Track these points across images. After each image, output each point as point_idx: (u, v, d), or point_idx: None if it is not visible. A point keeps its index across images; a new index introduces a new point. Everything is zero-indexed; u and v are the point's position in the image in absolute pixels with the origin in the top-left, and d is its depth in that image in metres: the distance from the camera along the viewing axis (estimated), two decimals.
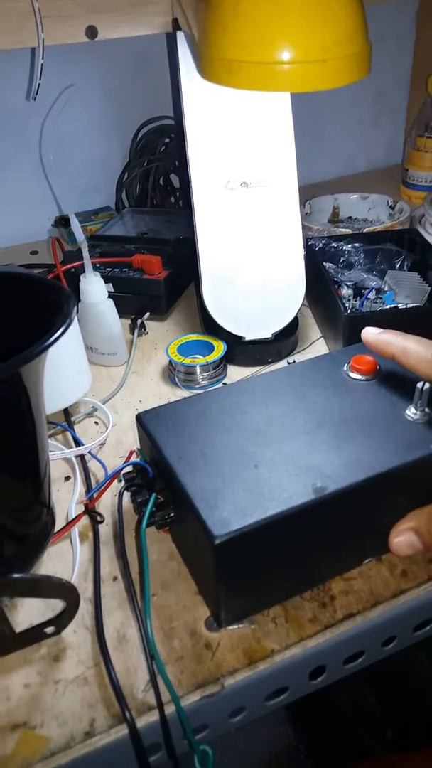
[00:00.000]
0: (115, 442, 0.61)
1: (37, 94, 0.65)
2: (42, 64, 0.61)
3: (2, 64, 0.90)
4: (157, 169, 0.95)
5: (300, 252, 0.66)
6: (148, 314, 0.77)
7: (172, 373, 0.69)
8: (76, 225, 0.64)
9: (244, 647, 0.42)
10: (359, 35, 0.42)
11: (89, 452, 0.59)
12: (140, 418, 0.50)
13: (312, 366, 0.53)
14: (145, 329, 0.77)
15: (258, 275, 0.66)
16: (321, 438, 0.46)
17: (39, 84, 0.64)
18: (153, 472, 0.48)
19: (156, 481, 0.48)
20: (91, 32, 0.64)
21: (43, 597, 0.41)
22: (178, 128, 0.98)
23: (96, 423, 0.64)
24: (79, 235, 0.64)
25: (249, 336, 0.68)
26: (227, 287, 0.67)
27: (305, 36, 0.38)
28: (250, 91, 0.46)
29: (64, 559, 0.50)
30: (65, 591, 0.41)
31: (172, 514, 0.46)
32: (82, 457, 0.58)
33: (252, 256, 0.66)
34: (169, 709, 0.39)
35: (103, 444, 0.60)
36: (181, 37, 0.62)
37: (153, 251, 0.82)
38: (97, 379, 0.69)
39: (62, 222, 1.03)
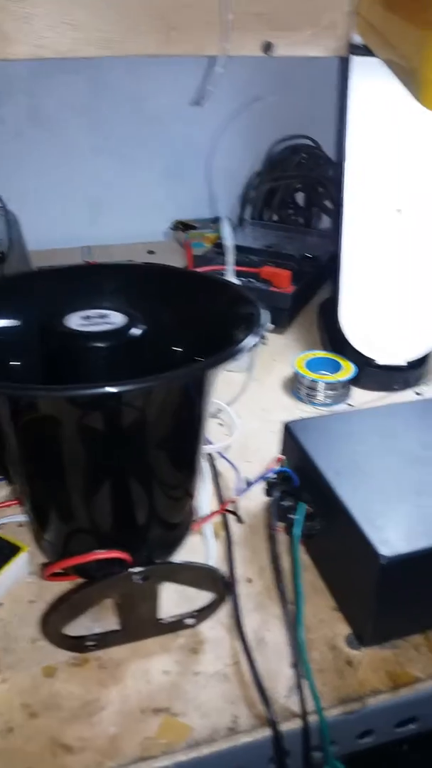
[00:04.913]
0: (240, 446, 0.61)
1: (204, 99, 0.67)
2: (219, 73, 0.63)
3: (144, 68, 0.94)
4: (286, 186, 0.96)
5: None
6: (272, 326, 0.78)
7: (295, 386, 0.69)
8: (228, 230, 0.65)
9: (387, 670, 0.42)
10: None
11: (218, 452, 0.59)
12: (289, 428, 0.51)
13: None
14: (265, 340, 0.78)
15: (399, 301, 0.67)
16: None
17: (210, 91, 0.66)
18: (299, 481, 0.49)
19: (302, 491, 0.48)
20: (267, 48, 0.66)
21: (197, 587, 0.42)
22: (314, 148, 0.99)
23: (220, 425, 0.65)
24: (229, 241, 0.66)
25: (381, 360, 0.68)
26: (365, 309, 0.67)
27: None
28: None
29: (194, 555, 0.50)
30: (220, 585, 0.41)
31: (318, 527, 0.46)
32: (210, 456, 0.59)
33: (396, 281, 0.66)
34: (309, 719, 0.39)
35: (228, 446, 0.61)
36: (357, 62, 0.64)
37: (277, 265, 0.83)
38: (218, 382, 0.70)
39: (180, 226, 1.06)
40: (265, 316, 0.43)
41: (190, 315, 0.48)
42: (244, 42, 0.66)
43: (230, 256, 0.66)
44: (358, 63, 0.64)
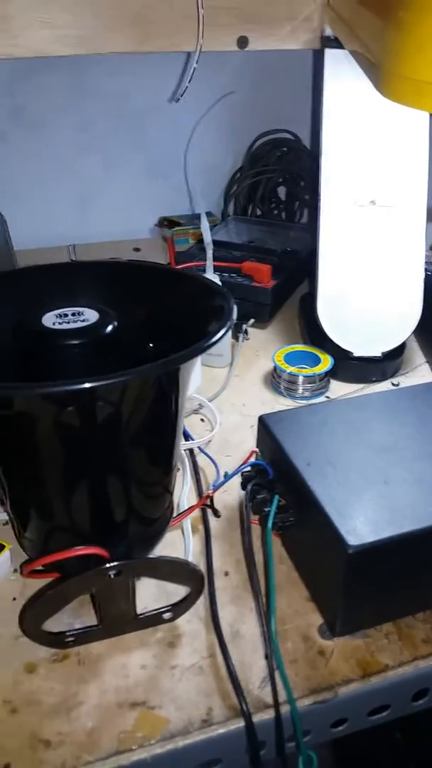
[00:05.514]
0: (220, 441, 0.62)
1: (182, 95, 0.67)
2: (195, 68, 0.63)
3: (126, 65, 0.94)
4: (268, 181, 0.97)
5: (420, 274, 0.66)
6: (252, 321, 0.78)
7: (275, 380, 0.70)
8: (205, 227, 0.65)
9: (357, 659, 0.43)
10: None
11: (199, 447, 0.60)
12: (263, 420, 0.51)
13: None
14: (247, 335, 0.78)
15: (375, 293, 0.67)
16: None
17: (187, 87, 0.66)
18: (273, 473, 0.49)
19: (276, 484, 0.49)
20: (242, 42, 0.66)
21: (173, 581, 0.43)
22: (294, 142, 0.99)
23: (202, 420, 0.65)
24: (207, 237, 0.66)
25: (357, 352, 0.68)
26: (342, 302, 0.68)
27: None
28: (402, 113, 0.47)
29: (174, 549, 0.51)
30: (195, 579, 0.42)
31: (291, 519, 0.47)
32: (191, 451, 0.60)
33: (371, 274, 0.67)
34: (283, 709, 0.40)
35: (209, 441, 0.62)
36: (330, 54, 0.64)
37: (259, 260, 0.83)
38: (201, 378, 0.71)
39: (165, 222, 1.06)
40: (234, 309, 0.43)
41: (162, 310, 0.48)
42: (218, 37, 0.66)
43: (209, 252, 0.67)
44: (330, 55, 0.64)
